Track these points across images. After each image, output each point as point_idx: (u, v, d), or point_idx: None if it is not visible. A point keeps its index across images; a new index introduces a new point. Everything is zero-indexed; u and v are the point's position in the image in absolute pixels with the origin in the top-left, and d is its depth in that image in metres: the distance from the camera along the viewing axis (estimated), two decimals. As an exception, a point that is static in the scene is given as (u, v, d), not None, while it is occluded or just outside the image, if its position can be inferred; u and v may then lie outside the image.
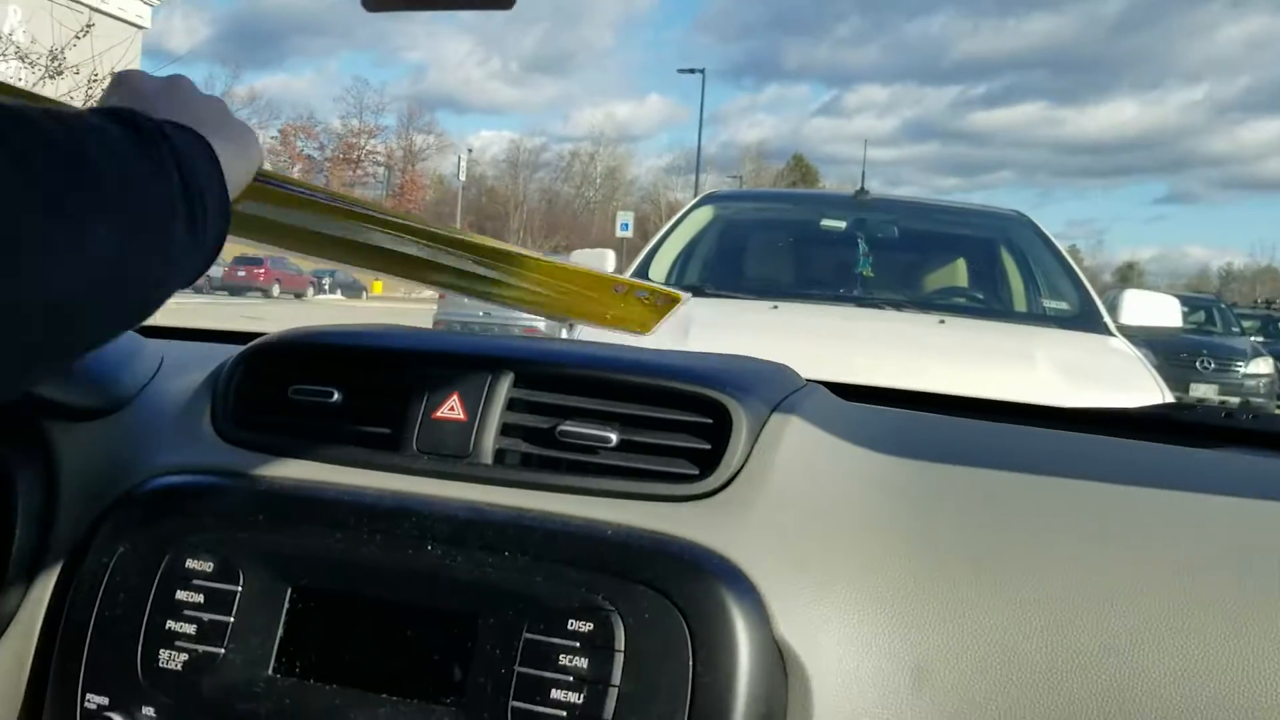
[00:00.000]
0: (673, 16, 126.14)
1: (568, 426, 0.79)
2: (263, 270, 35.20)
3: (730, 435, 0.77)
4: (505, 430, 0.80)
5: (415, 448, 0.80)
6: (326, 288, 40.99)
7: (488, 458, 0.79)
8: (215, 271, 35.87)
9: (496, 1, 0.55)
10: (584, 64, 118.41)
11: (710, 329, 3.12)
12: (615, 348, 0.91)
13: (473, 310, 14.48)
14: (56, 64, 11.26)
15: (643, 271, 3.99)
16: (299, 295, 36.81)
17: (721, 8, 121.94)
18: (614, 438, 0.78)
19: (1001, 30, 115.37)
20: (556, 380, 0.82)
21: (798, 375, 0.94)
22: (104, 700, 0.74)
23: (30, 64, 11.35)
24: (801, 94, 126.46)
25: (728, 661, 0.66)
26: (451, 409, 0.80)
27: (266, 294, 34.74)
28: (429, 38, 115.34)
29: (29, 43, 11.47)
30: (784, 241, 4.28)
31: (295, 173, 76.13)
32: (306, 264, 42.97)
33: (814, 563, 0.71)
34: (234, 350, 0.98)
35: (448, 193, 75.10)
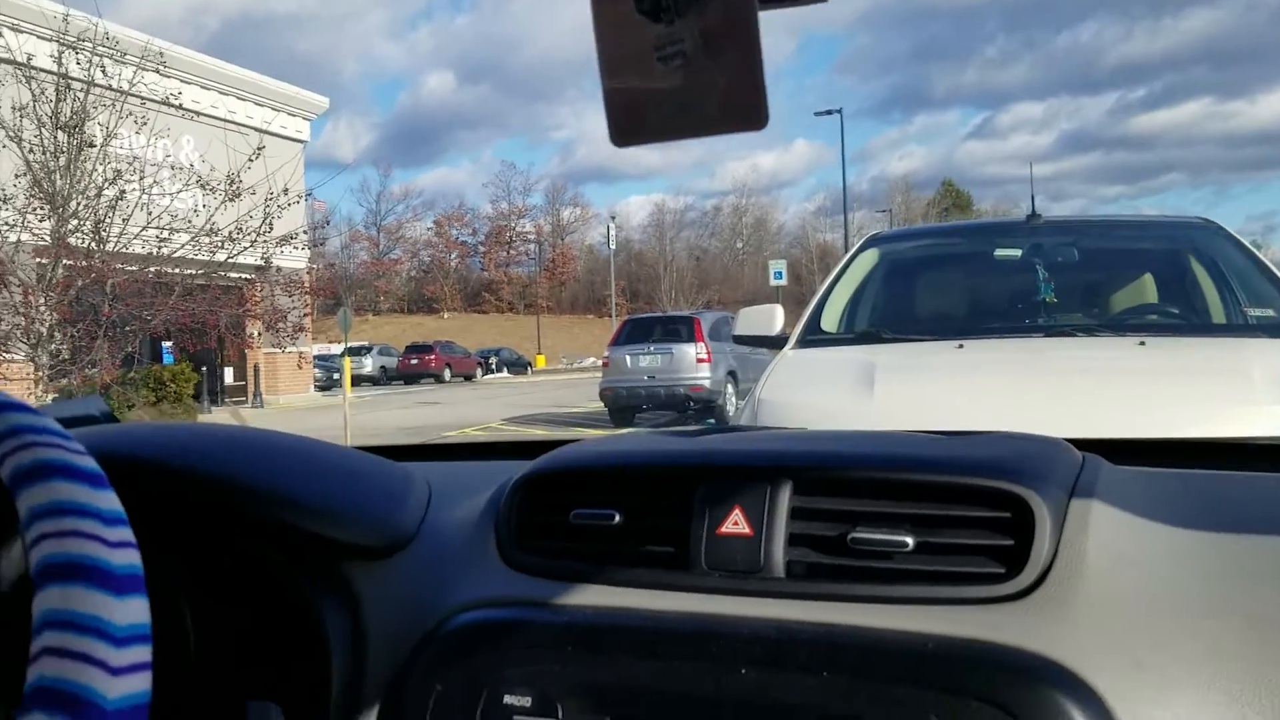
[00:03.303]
0: (812, 63, 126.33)
1: (860, 534, 0.75)
2: (433, 356, 36.59)
3: (1035, 529, 0.72)
4: (791, 541, 0.77)
5: (704, 565, 0.78)
6: (493, 367, 42.27)
7: (779, 571, 0.76)
8: (390, 362, 37.54)
9: (748, 123, 0.55)
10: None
11: (897, 375, 3.04)
12: (887, 440, 0.88)
13: (637, 376, 14.68)
14: (234, 187, 12.13)
15: (814, 323, 3.93)
16: (468, 377, 38.05)
17: (860, 48, 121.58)
18: (910, 541, 0.74)
19: (1156, 31, 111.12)
20: (838, 485, 0.79)
21: (1072, 449, 0.87)
22: None
23: (210, 190, 12.26)
24: (951, 120, 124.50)
25: None
26: (735, 523, 0.78)
27: (439, 379, 36.00)
28: (575, 117, 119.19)
29: (208, 171, 12.36)
30: (957, 277, 4.15)
31: (453, 260, 79.44)
32: (472, 345, 44.52)
33: (1150, 659, 0.66)
34: (491, 468, 0.99)
35: (598, 261, 76.70)
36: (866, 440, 0.88)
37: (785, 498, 0.78)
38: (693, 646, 0.73)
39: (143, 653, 0.52)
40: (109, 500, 0.57)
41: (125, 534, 0.56)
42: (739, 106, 0.55)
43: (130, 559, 0.55)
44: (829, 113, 35.46)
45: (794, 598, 0.75)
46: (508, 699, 0.74)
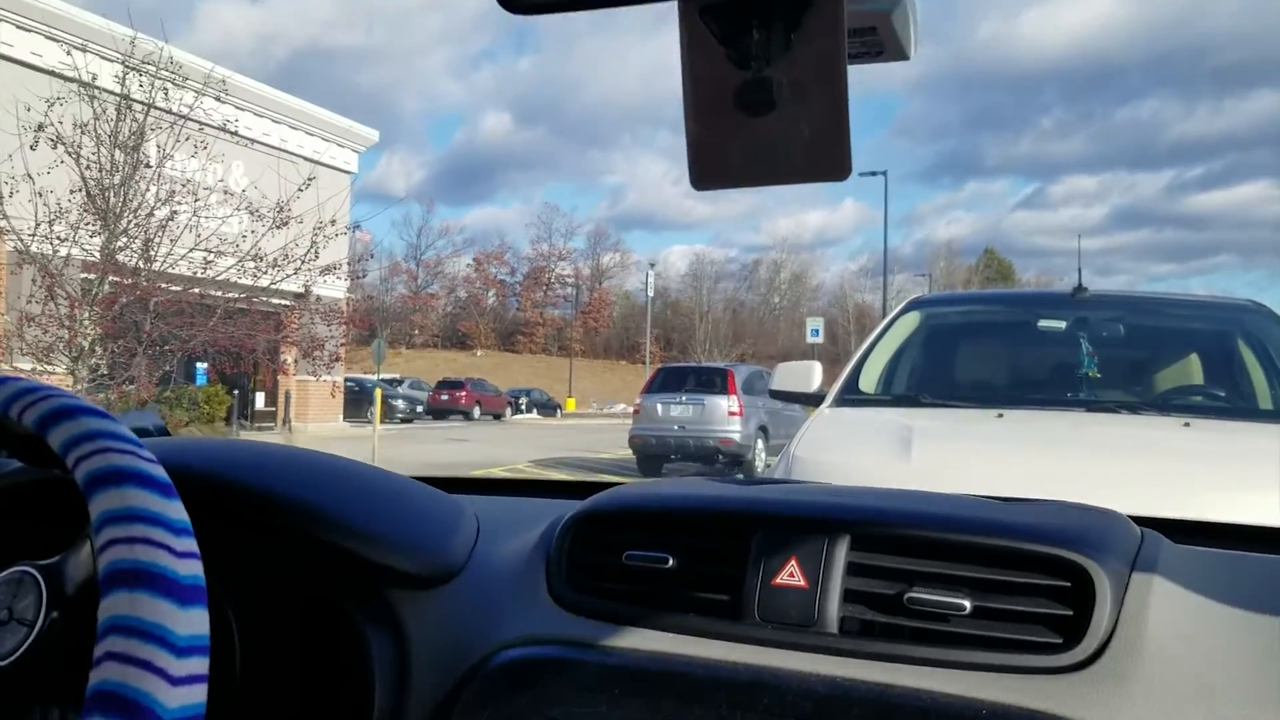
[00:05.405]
0: (870, 124, 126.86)
1: (917, 594, 0.74)
2: (464, 393, 36.71)
3: (1095, 600, 0.72)
4: (847, 597, 0.77)
5: (757, 616, 0.77)
6: (523, 407, 42.36)
7: (833, 627, 0.76)
8: (420, 396, 37.73)
9: (831, 173, 0.54)
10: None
11: (935, 440, 3.01)
12: (947, 501, 0.86)
13: (667, 425, 14.64)
14: (283, 215, 12.33)
15: (852, 382, 3.91)
16: (498, 416, 38.13)
17: (917, 111, 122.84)
18: (968, 605, 0.73)
19: (1219, 111, 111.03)
20: (897, 543, 0.78)
21: (1131, 524, 0.86)
22: None
23: (258, 217, 12.47)
24: (1001, 189, 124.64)
25: None
26: (791, 575, 0.77)
27: (468, 416, 36.10)
28: (627, 162, 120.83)
29: (259, 197, 12.58)
30: (999, 346, 4.13)
31: (490, 297, 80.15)
32: (503, 385, 44.68)
33: None
34: (540, 505, 0.98)
35: (634, 308, 77.06)
36: (926, 500, 0.87)
37: (842, 552, 0.78)
38: (743, 697, 0.72)
39: (201, 664, 0.53)
40: (177, 510, 0.58)
41: (191, 545, 0.57)
42: (823, 157, 0.55)
43: (195, 570, 0.56)
44: (874, 174, 35.55)
45: (847, 655, 0.74)
46: None
